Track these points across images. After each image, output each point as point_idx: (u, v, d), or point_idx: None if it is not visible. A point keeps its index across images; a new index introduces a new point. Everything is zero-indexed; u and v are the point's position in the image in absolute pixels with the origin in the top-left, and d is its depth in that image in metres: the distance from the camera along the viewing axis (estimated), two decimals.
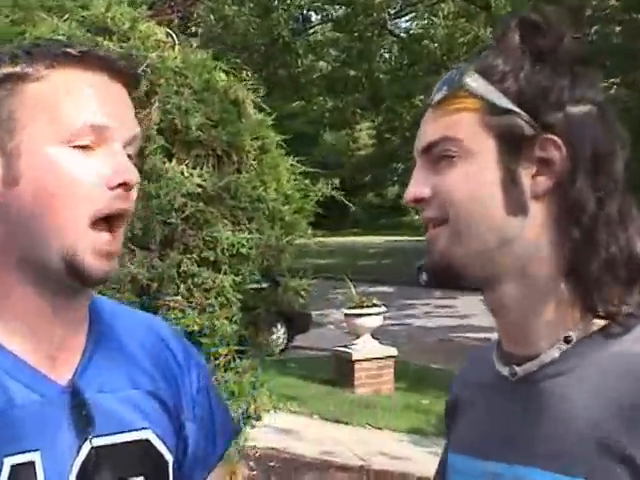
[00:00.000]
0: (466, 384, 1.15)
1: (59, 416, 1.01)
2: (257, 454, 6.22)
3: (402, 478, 6.20)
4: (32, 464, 0.97)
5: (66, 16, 3.87)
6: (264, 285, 4.55)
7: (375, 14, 17.38)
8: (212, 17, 16.51)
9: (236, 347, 4.08)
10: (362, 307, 9.22)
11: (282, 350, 11.82)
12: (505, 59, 0.98)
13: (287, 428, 7.29)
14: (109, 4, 3.99)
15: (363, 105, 20.75)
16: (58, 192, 0.97)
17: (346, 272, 11.01)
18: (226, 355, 4.02)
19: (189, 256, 3.93)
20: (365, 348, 9.16)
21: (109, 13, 3.94)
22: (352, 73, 19.37)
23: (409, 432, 7.41)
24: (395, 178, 25.91)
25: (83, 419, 1.02)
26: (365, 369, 9.08)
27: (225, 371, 4.04)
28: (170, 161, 3.93)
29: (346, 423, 7.83)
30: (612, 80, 12.01)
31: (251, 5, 17.06)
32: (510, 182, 0.97)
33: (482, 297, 1.04)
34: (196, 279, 3.92)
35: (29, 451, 0.97)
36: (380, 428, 7.67)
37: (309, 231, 4.47)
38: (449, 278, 1.02)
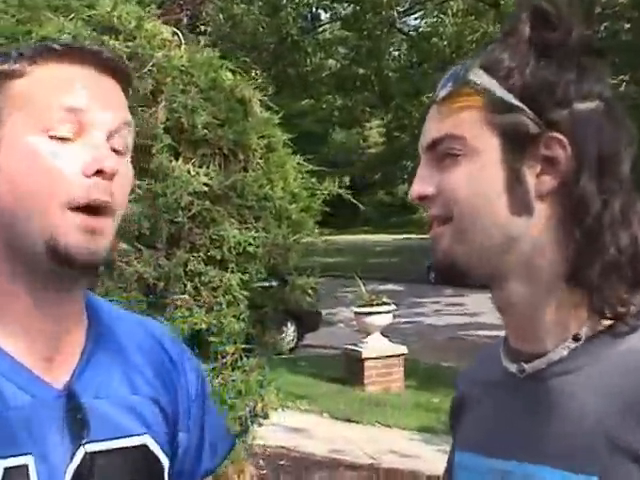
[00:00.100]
0: (473, 381, 1.15)
1: (54, 420, 1.00)
2: (267, 453, 6.24)
3: (412, 476, 6.18)
4: (25, 467, 0.96)
5: (72, 15, 3.87)
6: (272, 283, 4.56)
7: (384, 12, 17.33)
8: (221, 16, 16.53)
9: (243, 345, 4.08)
10: (372, 305, 9.23)
11: (292, 348, 11.84)
12: (511, 54, 0.97)
13: (297, 426, 7.31)
14: (115, 3, 3.99)
15: (372, 103, 20.77)
16: (34, 179, 0.96)
17: (356, 270, 11.03)
18: (233, 353, 4.02)
19: (196, 255, 3.93)
20: (375, 346, 9.15)
21: (115, 12, 3.94)
22: (361, 71, 19.38)
23: (419, 430, 7.40)
24: (405, 176, 25.89)
25: (78, 424, 1.01)
26: (375, 367, 9.08)
27: (232, 369, 4.04)
28: (177, 160, 3.94)
29: (356, 421, 7.83)
30: (621, 77, 11.96)
31: (260, 4, 17.11)
32: (514, 181, 0.96)
33: (490, 295, 1.04)
34: (203, 277, 3.92)
35: (23, 454, 0.96)
36: (390, 426, 7.67)
37: (316, 230, 4.47)
38: (454, 276, 1.02)
